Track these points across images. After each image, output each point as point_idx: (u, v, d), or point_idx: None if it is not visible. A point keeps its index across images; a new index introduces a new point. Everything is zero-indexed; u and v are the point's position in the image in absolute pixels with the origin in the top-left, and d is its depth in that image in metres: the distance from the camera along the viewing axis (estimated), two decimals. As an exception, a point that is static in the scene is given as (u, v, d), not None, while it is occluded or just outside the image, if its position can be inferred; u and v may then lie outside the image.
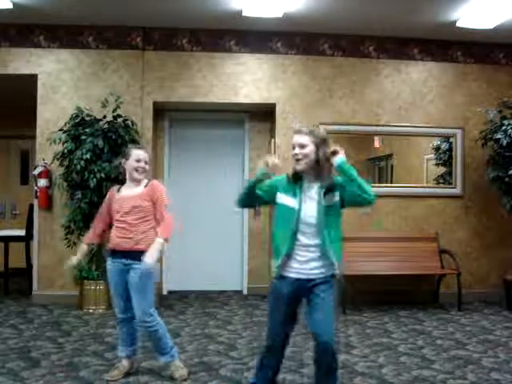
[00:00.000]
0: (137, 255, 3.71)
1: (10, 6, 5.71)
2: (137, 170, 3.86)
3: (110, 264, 3.88)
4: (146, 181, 3.94)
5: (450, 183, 6.91)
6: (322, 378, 3.13)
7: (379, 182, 7.05)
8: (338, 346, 3.16)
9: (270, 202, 3.20)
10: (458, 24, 6.17)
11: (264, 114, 7.04)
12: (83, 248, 4.02)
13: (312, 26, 6.45)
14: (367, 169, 7.12)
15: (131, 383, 3.79)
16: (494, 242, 6.86)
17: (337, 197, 3.06)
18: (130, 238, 3.78)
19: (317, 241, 3.04)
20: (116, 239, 3.83)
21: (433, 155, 7.02)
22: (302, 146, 3.02)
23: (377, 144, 7.01)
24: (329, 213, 3.03)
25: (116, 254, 3.84)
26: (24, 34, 6.38)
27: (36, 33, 6.40)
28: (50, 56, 6.43)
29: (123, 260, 3.80)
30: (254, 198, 3.17)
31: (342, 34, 6.68)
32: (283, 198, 3.10)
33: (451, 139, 6.90)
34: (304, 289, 3.09)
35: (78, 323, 5.47)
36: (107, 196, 4.06)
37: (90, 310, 5.97)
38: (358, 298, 6.46)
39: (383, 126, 6.79)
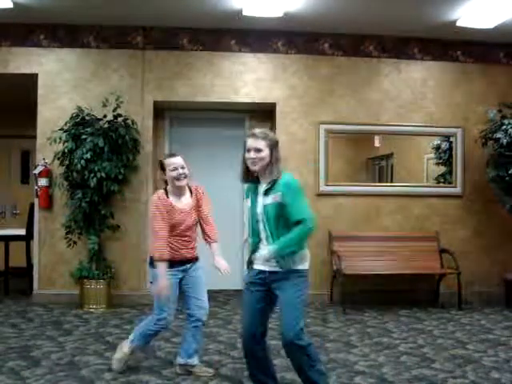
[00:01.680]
0: (192, 260, 3.95)
1: (11, 5, 5.71)
2: (177, 179, 3.79)
3: (171, 274, 3.79)
4: (187, 188, 3.93)
5: (450, 183, 6.91)
6: (299, 375, 3.24)
7: (379, 181, 7.05)
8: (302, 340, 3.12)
9: None
10: (459, 23, 6.17)
11: (264, 114, 7.04)
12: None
13: (312, 26, 6.45)
14: (367, 168, 7.12)
15: (132, 382, 3.79)
16: (494, 241, 6.86)
17: (278, 198, 3.14)
18: (192, 249, 3.93)
19: (265, 237, 3.21)
20: (179, 251, 3.85)
21: (433, 155, 7.03)
22: (258, 150, 3.19)
23: (377, 143, 7.02)
24: (270, 211, 3.15)
25: (175, 263, 3.84)
26: (24, 34, 6.38)
27: (36, 32, 6.40)
28: (50, 55, 6.43)
29: (183, 267, 3.90)
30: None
31: (342, 33, 6.68)
32: (246, 201, 3.37)
33: (451, 139, 6.90)
34: (269, 281, 3.21)
35: (78, 322, 5.48)
36: (161, 204, 3.76)
37: (91, 309, 5.97)
38: (358, 297, 6.46)
39: (383, 125, 6.79)
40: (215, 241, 3.96)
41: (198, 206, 3.92)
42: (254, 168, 3.21)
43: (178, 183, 3.80)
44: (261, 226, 3.22)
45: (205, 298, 4.01)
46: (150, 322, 3.93)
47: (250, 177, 3.30)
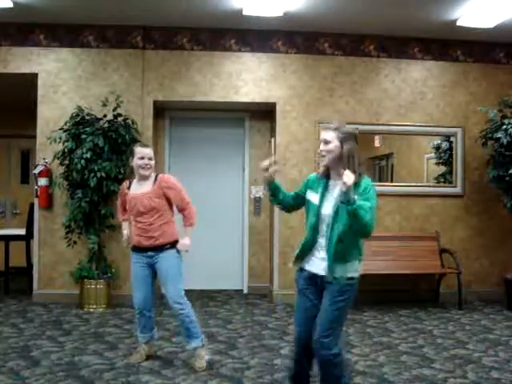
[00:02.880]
0: (159, 248, 4.06)
1: (11, 4, 5.71)
2: (142, 168, 4.07)
3: (135, 259, 4.17)
4: (153, 176, 4.13)
5: (451, 182, 6.91)
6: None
7: (380, 181, 7.04)
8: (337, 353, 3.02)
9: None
10: (459, 23, 6.17)
11: (264, 113, 7.04)
12: (125, 225, 4.34)
13: (312, 25, 6.45)
14: (367, 168, 7.12)
15: (132, 382, 3.79)
16: (495, 241, 6.86)
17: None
18: (149, 237, 4.05)
19: (325, 240, 3.01)
20: (136, 237, 4.11)
21: (433, 154, 7.02)
22: (326, 142, 3.00)
23: (377, 143, 7.02)
24: (342, 213, 2.92)
25: (139, 250, 4.12)
26: (24, 33, 6.38)
27: (36, 32, 6.39)
28: (50, 55, 6.43)
29: (148, 253, 4.08)
30: (286, 203, 3.23)
31: (343, 33, 6.68)
32: (309, 195, 3.13)
33: (451, 138, 6.90)
34: (318, 283, 3.07)
35: (78, 322, 5.48)
36: (121, 189, 4.35)
37: (91, 309, 5.97)
38: (359, 297, 6.42)
39: (383, 125, 6.79)
40: (187, 225, 4.14)
41: (164, 196, 4.08)
42: (323, 163, 3.03)
43: (141, 171, 4.09)
44: (323, 228, 3.01)
45: (168, 288, 4.08)
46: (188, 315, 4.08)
47: (327, 172, 3.07)
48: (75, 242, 6.19)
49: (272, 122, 6.97)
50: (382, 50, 6.81)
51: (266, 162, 3.04)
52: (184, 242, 4.11)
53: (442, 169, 6.99)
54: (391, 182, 7.00)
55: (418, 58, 6.87)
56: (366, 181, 2.98)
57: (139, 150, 4.10)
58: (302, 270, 3.15)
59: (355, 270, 3.04)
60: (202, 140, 7.23)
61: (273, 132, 6.90)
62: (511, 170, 6.07)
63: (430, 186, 6.94)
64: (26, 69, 6.40)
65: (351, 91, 6.76)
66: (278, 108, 6.67)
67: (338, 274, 2.97)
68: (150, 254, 4.08)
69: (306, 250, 3.11)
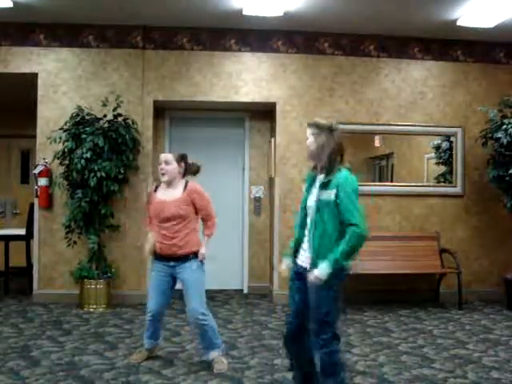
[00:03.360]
0: (182, 259, 4.02)
1: (11, 4, 5.70)
2: (161, 174, 4.07)
3: (157, 268, 4.10)
4: (182, 182, 4.09)
5: (451, 182, 6.91)
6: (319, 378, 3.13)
7: (380, 180, 7.05)
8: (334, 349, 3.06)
9: None
10: (459, 23, 6.16)
11: (264, 113, 7.04)
12: (151, 235, 4.16)
13: (312, 25, 6.45)
14: (367, 168, 7.12)
15: (132, 382, 3.79)
16: (495, 241, 6.86)
17: (332, 195, 2.97)
18: (172, 245, 4.00)
19: (307, 234, 3.12)
20: (159, 244, 4.04)
21: (433, 154, 7.02)
22: (307, 138, 3.12)
23: (377, 143, 7.02)
24: (322, 208, 3.00)
25: (161, 258, 4.07)
26: (24, 33, 6.37)
27: (36, 32, 6.39)
28: (50, 55, 6.43)
29: (170, 263, 4.04)
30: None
31: (343, 32, 6.67)
32: (303, 188, 3.27)
33: (451, 138, 6.90)
34: (303, 276, 3.11)
35: (78, 322, 5.47)
36: (148, 196, 4.36)
37: (91, 309, 5.97)
38: (359, 296, 6.46)
39: (383, 125, 6.79)
40: (206, 234, 4.16)
41: (192, 204, 4.05)
42: (308, 157, 3.16)
43: (160, 178, 4.11)
44: (308, 221, 3.10)
45: (191, 300, 4.04)
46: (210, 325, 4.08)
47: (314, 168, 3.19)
48: (75, 242, 6.19)
49: (272, 122, 6.97)
50: (382, 50, 6.81)
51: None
52: (200, 251, 4.07)
53: (442, 169, 6.99)
54: (391, 181, 7.00)
55: (418, 57, 6.87)
56: (343, 174, 3.00)
57: (160, 156, 4.13)
58: (295, 264, 3.23)
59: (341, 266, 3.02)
60: (202, 140, 7.22)
61: (273, 132, 6.90)
62: (511, 170, 6.07)
63: (430, 186, 6.94)
64: (26, 69, 6.39)
65: (351, 91, 6.76)
66: (278, 108, 6.67)
67: (319, 266, 2.97)
68: (172, 263, 4.03)
69: (296, 244, 3.21)
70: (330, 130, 3.06)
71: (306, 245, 3.12)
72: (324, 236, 2.99)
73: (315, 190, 3.09)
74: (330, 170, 3.01)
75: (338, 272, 2.99)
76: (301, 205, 3.21)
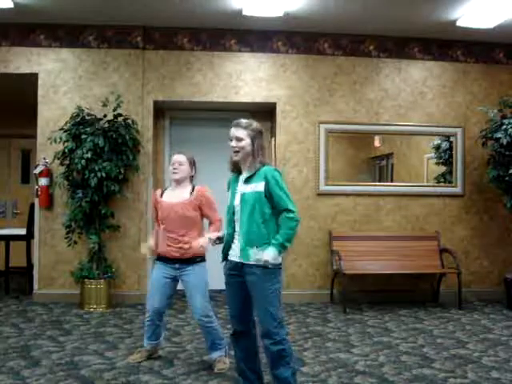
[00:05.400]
0: (188, 261, 4.05)
1: (11, 5, 5.71)
2: (172, 173, 4.11)
3: (160, 269, 4.10)
4: (189, 186, 4.13)
5: (451, 182, 6.91)
6: (270, 368, 3.19)
7: (380, 181, 7.05)
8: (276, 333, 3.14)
9: None
10: (459, 23, 6.17)
11: (264, 113, 7.04)
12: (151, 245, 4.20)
13: (312, 26, 6.45)
14: (367, 168, 7.13)
15: (132, 382, 3.80)
16: (495, 241, 6.87)
17: (259, 187, 3.13)
18: (179, 248, 4.02)
19: (238, 229, 3.21)
20: (165, 247, 4.05)
21: (433, 154, 7.03)
22: (239, 140, 3.19)
23: (377, 143, 7.02)
24: (248, 201, 3.14)
25: (166, 260, 4.07)
26: (25, 33, 6.38)
27: (37, 32, 6.40)
28: (50, 55, 6.44)
29: (175, 265, 4.06)
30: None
31: (343, 33, 6.68)
32: (229, 193, 3.35)
33: (451, 138, 6.90)
34: (240, 271, 3.21)
35: (78, 322, 5.48)
36: (152, 199, 4.35)
37: (91, 309, 5.97)
38: (359, 296, 6.47)
39: (383, 125, 6.79)
40: (211, 229, 4.08)
41: (199, 208, 4.09)
42: (236, 158, 3.22)
43: (171, 176, 4.14)
44: (236, 217, 3.22)
45: (196, 301, 4.07)
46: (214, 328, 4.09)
47: (236, 167, 3.29)
48: (75, 242, 6.20)
49: (272, 122, 6.97)
50: (382, 50, 6.81)
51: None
52: (203, 239, 3.94)
53: (442, 169, 6.99)
54: (391, 181, 7.01)
55: (418, 57, 6.87)
56: (269, 167, 3.20)
57: (172, 158, 4.18)
58: (226, 261, 3.31)
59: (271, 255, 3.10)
60: (202, 140, 7.22)
61: (273, 132, 6.91)
62: (511, 170, 6.08)
63: (429, 186, 6.94)
64: (26, 69, 6.40)
65: (351, 91, 6.76)
66: (278, 108, 6.68)
67: (252, 258, 3.10)
68: (177, 265, 4.05)
69: (228, 242, 3.28)
70: (262, 133, 3.26)
71: (236, 240, 3.23)
72: (251, 224, 3.13)
73: (240, 187, 3.23)
74: (257, 166, 3.17)
75: (279, 262, 3.15)
76: (228, 208, 3.29)
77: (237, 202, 3.22)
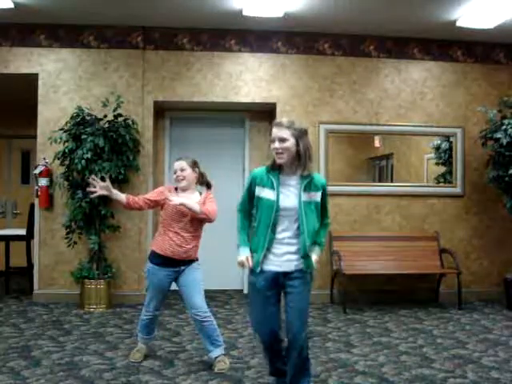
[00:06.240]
0: (188, 262, 4.08)
1: (12, 5, 5.72)
2: (176, 180, 4.11)
3: (161, 271, 4.06)
4: (196, 192, 4.18)
5: (450, 182, 6.92)
6: (292, 371, 3.20)
7: (379, 181, 7.05)
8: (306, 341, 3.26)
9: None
10: (458, 23, 6.17)
11: (264, 114, 7.05)
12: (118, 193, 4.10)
13: (312, 26, 6.46)
14: (367, 168, 7.13)
15: (132, 382, 3.80)
16: (494, 241, 6.87)
17: (318, 197, 3.14)
18: (187, 249, 4.03)
19: (292, 233, 3.13)
20: (173, 248, 4.00)
21: (433, 154, 7.03)
22: (283, 140, 3.08)
23: (377, 143, 7.02)
24: (307, 208, 3.09)
25: (170, 262, 4.03)
26: (25, 34, 6.38)
27: (37, 32, 6.40)
28: (50, 55, 6.44)
29: (179, 268, 4.06)
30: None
31: (343, 33, 6.68)
32: (259, 191, 3.16)
33: (451, 138, 6.90)
34: (280, 282, 3.16)
35: (78, 322, 5.48)
36: (162, 189, 4.14)
37: (91, 309, 5.98)
38: (359, 297, 6.47)
39: (383, 125, 6.79)
40: (200, 206, 3.99)
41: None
42: (280, 161, 3.08)
43: (177, 185, 4.12)
44: (285, 222, 3.09)
45: (195, 298, 4.07)
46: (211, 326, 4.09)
47: (277, 167, 3.15)
48: (75, 242, 6.20)
49: (272, 123, 6.96)
50: (382, 50, 6.81)
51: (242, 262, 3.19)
52: (179, 198, 3.89)
53: (442, 169, 6.99)
54: (391, 182, 7.01)
55: (417, 58, 6.87)
56: (319, 175, 3.24)
57: (174, 164, 4.16)
58: (261, 271, 3.15)
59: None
60: (202, 140, 7.23)
61: (273, 132, 6.90)
62: (511, 171, 6.08)
63: (429, 186, 6.94)
64: (26, 69, 6.40)
65: (351, 91, 6.77)
66: (278, 108, 6.68)
67: (311, 263, 3.14)
68: (182, 268, 4.06)
69: (265, 249, 3.11)
70: (307, 132, 3.19)
71: (281, 248, 3.11)
72: (312, 231, 3.15)
73: (288, 192, 3.10)
74: (309, 171, 3.10)
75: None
76: (264, 205, 3.09)
77: (288, 203, 3.07)
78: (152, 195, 4.13)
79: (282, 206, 3.07)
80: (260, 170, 3.23)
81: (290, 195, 3.10)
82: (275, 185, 3.10)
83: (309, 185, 3.09)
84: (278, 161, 3.07)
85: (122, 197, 4.05)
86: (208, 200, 4.10)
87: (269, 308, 3.18)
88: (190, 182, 4.12)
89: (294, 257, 3.13)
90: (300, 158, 3.07)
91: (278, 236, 3.10)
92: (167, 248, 4.00)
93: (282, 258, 3.12)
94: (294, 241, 3.11)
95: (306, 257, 3.12)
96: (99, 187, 3.99)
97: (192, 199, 4.02)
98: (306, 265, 3.13)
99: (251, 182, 3.22)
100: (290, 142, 3.07)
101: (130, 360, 4.22)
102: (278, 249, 3.12)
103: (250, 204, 3.26)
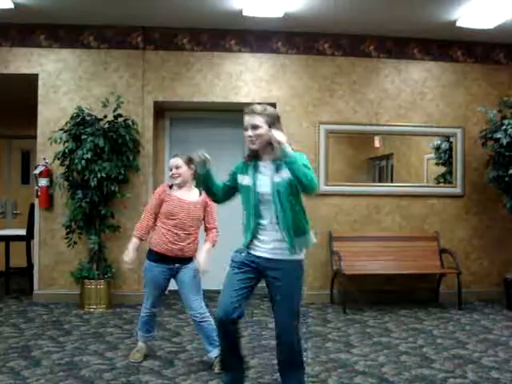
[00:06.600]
0: (186, 259, 4.09)
1: (12, 5, 5.72)
2: (172, 178, 4.11)
3: (157, 267, 4.07)
4: (195, 189, 4.18)
5: (450, 183, 6.92)
6: (281, 365, 3.16)
7: (379, 181, 7.06)
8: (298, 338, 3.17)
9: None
10: (458, 24, 6.17)
11: (264, 114, 7.03)
12: (135, 242, 4.12)
13: (312, 26, 6.46)
14: (367, 168, 7.13)
15: (132, 382, 3.80)
16: (494, 241, 6.87)
17: (288, 173, 2.97)
18: (184, 246, 4.04)
19: (272, 219, 3.06)
20: (169, 245, 4.02)
21: (433, 155, 7.03)
22: (255, 127, 3.07)
23: (377, 144, 7.02)
24: (282, 189, 3.01)
25: (166, 260, 4.05)
26: (25, 34, 6.38)
27: (37, 32, 6.40)
28: (50, 56, 6.44)
29: (175, 266, 4.08)
30: (214, 191, 3.28)
31: (343, 33, 6.68)
32: (241, 179, 3.17)
33: (451, 139, 6.90)
34: (261, 269, 3.11)
35: (78, 322, 5.48)
36: (159, 191, 4.14)
37: (91, 309, 5.98)
38: (359, 297, 6.47)
39: (383, 125, 6.79)
40: (210, 241, 4.15)
41: (204, 210, 4.13)
42: (254, 147, 3.08)
43: (173, 182, 4.13)
44: (264, 207, 3.06)
45: (194, 298, 4.10)
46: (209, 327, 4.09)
47: (254, 156, 3.14)
48: (75, 243, 6.20)
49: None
50: (382, 50, 6.81)
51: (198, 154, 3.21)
52: (202, 259, 4.04)
53: (442, 169, 6.99)
54: (391, 182, 7.01)
55: (417, 58, 6.87)
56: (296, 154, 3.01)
57: (170, 162, 4.19)
58: (247, 254, 3.16)
59: (306, 246, 3.13)
60: (202, 140, 7.20)
61: (273, 132, 6.90)
62: (511, 171, 6.08)
63: (429, 187, 6.94)
64: (26, 69, 6.41)
65: (351, 91, 6.77)
66: (278, 108, 6.65)
67: (298, 248, 3.04)
68: (177, 265, 4.07)
69: (251, 234, 3.11)
70: (279, 118, 3.13)
71: (262, 234, 3.09)
72: (294, 216, 3.03)
73: (267, 176, 3.06)
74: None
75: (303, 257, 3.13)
76: (248, 196, 3.09)
77: (264, 189, 3.04)
78: (151, 207, 4.14)
79: (259, 191, 3.07)
80: (239, 163, 3.28)
81: (265, 180, 3.07)
82: (252, 171, 3.11)
83: (280, 165, 3.01)
84: (252, 147, 3.09)
85: (135, 242, 4.11)
86: (210, 208, 4.14)
87: (237, 284, 3.11)
88: (186, 179, 4.13)
89: (282, 245, 3.06)
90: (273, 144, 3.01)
91: (262, 222, 3.09)
92: (161, 245, 4.04)
93: (269, 246, 3.09)
94: (277, 227, 3.06)
95: (290, 241, 3.02)
96: (128, 261, 4.09)
97: (190, 196, 4.07)
98: (291, 250, 3.03)
99: (234, 169, 3.27)
100: (263, 129, 3.05)
101: (130, 360, 4.22)
102: (263, 235, 3.09)
103: (227, 182, 3.27)
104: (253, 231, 3.11)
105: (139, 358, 4.23)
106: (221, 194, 3.31)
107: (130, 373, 3.97)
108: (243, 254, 3.16)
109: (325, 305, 6.44)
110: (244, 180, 3.14)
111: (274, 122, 3.07)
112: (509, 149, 6.12)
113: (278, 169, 3.03)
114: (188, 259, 4.10)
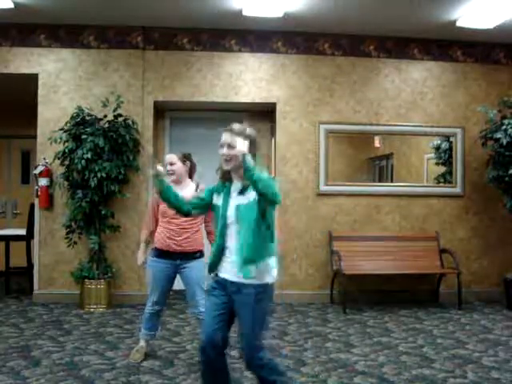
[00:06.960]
0: (188, 256, 4.11)
1: (12, 5, 5.72)
2: (167, 175, 4.06)
3: (159, 262, 4.13)
4: (192, 185, 4.21)
5: (450, 182, 6.92)
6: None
7: (380, 181, 7.06)
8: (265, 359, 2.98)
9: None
10: (459, 24, 6.17)
11: (264, 114, 7.04)
12: (143, 246, 4.32)
13: (312, 26, 6.46)
14: (367, 168, 7.13)
15: (132, 382, 3.80)
16: (494, 241, 6.87)
17: (252, 195, 2.87)
18: (182, 241, 4.07)
19: (235, 242, 2.93)
20: (166, 240, 4.09)
21: (433, 154, 7.03)
22: (232, 147, 2.95)
23: (377, 143, 7.02)
24: (246, 212, 2.89)
25: (167, 255, 4.11)
26: (25, 34, 6.38)
27: (37, 32, 6.40)
28: (50, 55, 6.44)
29: (176, 261, 4.11)
30: (173, 202, 3.12)
31: (343, 33, 6.68)
32: (216, 199, 3.08)
33: (451, 139, 6.90)
34: (229, 291, 2.97)
35: (78, 322, 5.48)
36: (152, 200, 4.33)
37: (91, 309, 5.98)
38: (359, 296, 6.47)
39: (383, 125, 6.79)
40: (212, 241, 4.08)
41: None
42: (227, 167, 2.97)
43: (167, 178, 4.04)
44: (228, 231, 2.95)
45: (198, 296, 4.12)
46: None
47: (227, 176, 3.03)
48: (75, 242, 6.20)
49: (272, 123, 6.97)
50: (382, 50, 6.81)
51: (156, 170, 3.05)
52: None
53: (442, 169, 6.99)
54: (391, 182, 7.01)
55: (417, 58, 6.87)
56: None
57: (165, 158, 4.24)
58: (216, 275, 3.04)
59: (269, 270, 2.93)
60: (202, 140, 7.21)
61: (273, 132, 6.91)
62: (511, 171, 6.08)
63: (429, 186, 6.94)
64: (26, 69, 6.41)
65: (351, 91, 6.76)
66: (277, 108, 6.68)
67: (251, 275, 2.86)
68: (178, 261, 4.10)
69: (217, 256, 3.00)
70: (255, 139, 3.06)
71: (228, 256, 2.96)
72: (249, 238, 2.87)
73: (233, 199, 2.96)
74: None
75: (274, 281, 2.97)
76: (219, 218, 2.99)
77: (230, 213, 2.95)
78: (149, 213, 4.29)
79: (227, 213, 2.97)
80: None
81: (232, 202, 2.97)
82: (224, 193, 3.03)
83: (247, 187, 2.90)
84: (225, 166, 2.99)
85: (142, 246, 4.35)
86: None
87: (213, 311, 2.99)
88: (181, 176, 4.17)
89: (231, 268, 2.95)
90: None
91: (228, 244, 2.97)
92: (160, 241, 4.12)
93: (233, 269, 2.94)
94: (233, 255, 2.95)
95: (245, 264, 2.87)
96: (141, 264, 4.38)
97: (185, 192, 4.03)
98: (245, 274, 2.86)
99: (213, 187, 3.15)
100: (242, 147, 2.91)
101: (130, 360, 4.22)
102: (229, 257, 2.97)
103: (203, 196, 3.17)
104: (220, 252, 2.99)
105: (139, 359, 4.23)
106: (186, 206, 3.15)
107: (130, 373, 3.97)
108: (212, 275, 3.06)
109: (325, 305, 6.44)
110: (218, 200, 3.05)
111: (250, 143, 2.97)
112: (509, 149, 6.12)
113: (244, 191, 2.93)
114: (192, 255, 4.11)
